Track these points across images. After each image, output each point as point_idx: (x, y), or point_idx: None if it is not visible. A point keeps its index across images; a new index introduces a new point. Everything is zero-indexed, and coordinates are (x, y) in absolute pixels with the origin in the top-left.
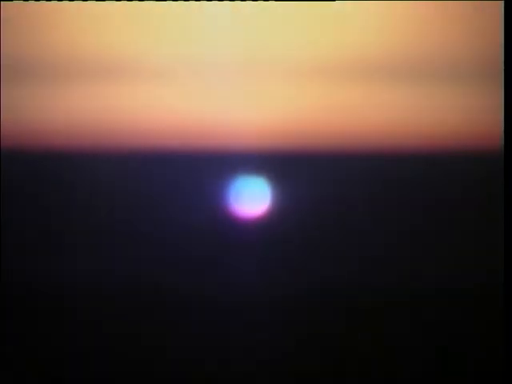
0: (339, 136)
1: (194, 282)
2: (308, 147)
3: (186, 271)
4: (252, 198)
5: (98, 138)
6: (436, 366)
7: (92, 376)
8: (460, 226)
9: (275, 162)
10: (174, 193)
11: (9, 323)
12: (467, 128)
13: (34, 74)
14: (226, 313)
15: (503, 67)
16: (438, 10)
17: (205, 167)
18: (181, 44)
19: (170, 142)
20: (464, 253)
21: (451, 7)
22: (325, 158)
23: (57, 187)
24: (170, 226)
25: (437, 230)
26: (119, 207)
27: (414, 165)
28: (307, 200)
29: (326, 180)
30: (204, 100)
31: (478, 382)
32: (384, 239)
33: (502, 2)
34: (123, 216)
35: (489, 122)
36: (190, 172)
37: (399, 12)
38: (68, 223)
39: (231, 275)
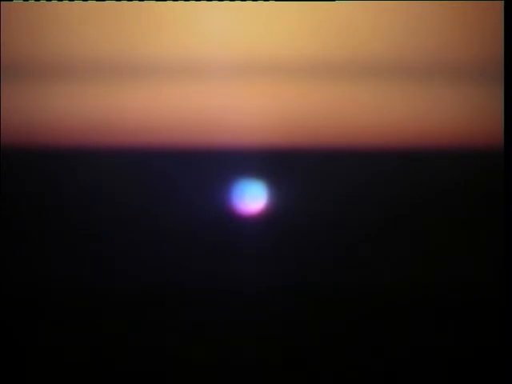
0: (339, 135)
1: (195, 280)
2: (307, 146)
3: (187, 270)
4: (251, 196)
5: (98, 137)
6: (435, 366)
7: (93, 376)
8: (460, 225)
9: (274, 161)
10: (173, 191)
11: (9, 323)
12: (467, 128)
13: (34, 74)
14: (226, 311)
15: (503, 67)
16: (438, 10)
17: (204, 166)
18: (180, 44)
19: (169, 141)
20: (464, 252)
21: (451, 7)
22: (325, 157)
23: (57, 186)
24: (169, 224)
25: (436, 228)
26: (119, 206)
27: (414, 164)
28: (306, 199)
29: (326, 179)
30: (203, 99)
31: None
32: (383, 238)
33: (502, 2)
34: (123, 215)
35: (489, 121)
36: (190, 171)
37: (399, 12)
38: (68, 222)
39: (232, 273)
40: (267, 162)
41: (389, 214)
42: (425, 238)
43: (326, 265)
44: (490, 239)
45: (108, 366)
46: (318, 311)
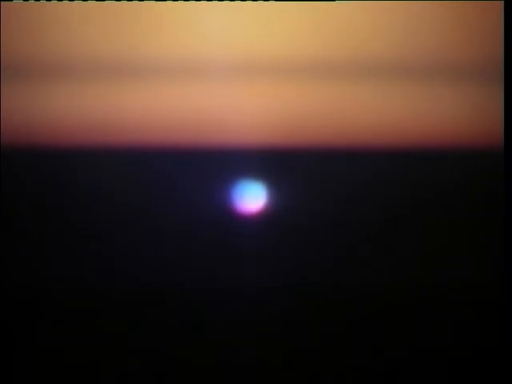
0: (339, 135)
1: (195, 280)
2: (307, 146)
3: (187, 270)
4: (251, 196)
5: (98, 137)
6: (435, 366)
7: (93, 376)
8: (460, 225)
9: (274, 161)
10: (173, 191)
11: (9, 323)
12: (467, 128)
13: (34, 74)
14: (226, 311)
15: (503, 67)
16: (438, 10)
17: (204, 166)
18: (180, 44)
19: (169, 141)
20: (464, 252)
21: (451, 7)
22: (325, 156)
23: (57, 186)
24: (169, 224)
25: (436, 228)
26: (119, 206)
27: (414, 164)
28: (306, 199)
29: (326, 179)
30: (203, 99)
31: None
32: (383, 238)
33: (502, 2)
34: (123, 215)
35: (489, 121)
36: (190, 171)
37: (399, 12)
38: (68, 222)
39: (232, 273)
40: (267, 161)
41: (389, 213)
42: (425, 238)
43: (326, 265)
44: (490, 239)
45: (108, 366)
46: (318, 311)
